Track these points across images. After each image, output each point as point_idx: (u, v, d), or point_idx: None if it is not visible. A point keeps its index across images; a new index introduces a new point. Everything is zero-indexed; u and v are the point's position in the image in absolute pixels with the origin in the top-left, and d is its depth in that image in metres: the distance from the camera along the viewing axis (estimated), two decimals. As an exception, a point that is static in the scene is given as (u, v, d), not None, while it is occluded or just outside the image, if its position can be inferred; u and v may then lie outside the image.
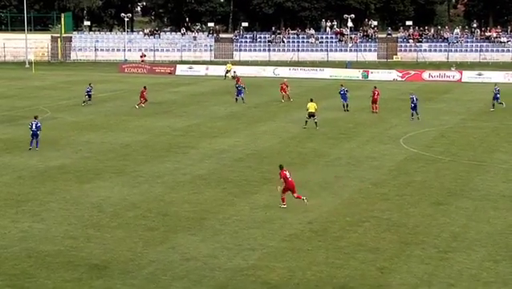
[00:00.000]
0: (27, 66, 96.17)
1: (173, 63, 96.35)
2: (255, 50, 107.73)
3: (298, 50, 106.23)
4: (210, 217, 27.88)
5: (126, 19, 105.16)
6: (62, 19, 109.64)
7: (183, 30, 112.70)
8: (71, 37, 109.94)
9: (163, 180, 33.82)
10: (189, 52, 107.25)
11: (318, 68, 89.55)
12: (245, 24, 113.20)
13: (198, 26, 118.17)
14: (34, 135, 40.65)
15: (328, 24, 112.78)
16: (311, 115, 47.79)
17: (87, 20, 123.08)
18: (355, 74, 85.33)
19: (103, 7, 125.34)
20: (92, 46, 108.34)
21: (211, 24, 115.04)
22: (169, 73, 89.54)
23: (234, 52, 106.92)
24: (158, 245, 24.52)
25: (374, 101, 54.80)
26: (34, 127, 40.71)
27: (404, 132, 46.63)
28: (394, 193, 31.50)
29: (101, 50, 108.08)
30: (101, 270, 22.05)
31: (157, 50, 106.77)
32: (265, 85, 74.72)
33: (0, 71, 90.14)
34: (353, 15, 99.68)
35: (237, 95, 61.04)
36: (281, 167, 29.54)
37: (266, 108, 57.80)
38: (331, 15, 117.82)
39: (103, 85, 74.62)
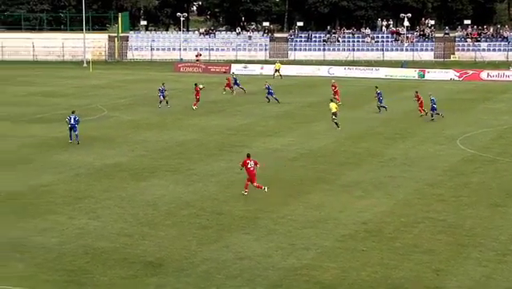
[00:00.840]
0: (85, 65, 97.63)
1: (228, 63, 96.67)
2: (310, 49, 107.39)
3: (354, 49, 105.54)
4: (264, 216, 27.87)
5: (182, 19, 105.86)
6: (120, 19, 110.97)
7: (238, 29, 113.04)
8: (127, 36, 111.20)
9: (217, 178, 33.94)
10: (244, 51, 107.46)
11: (373, 68, 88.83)
12: (300, 23, 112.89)
13: (253, 26, 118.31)
14: (73, 128, 41.93)
15: (384, 23, 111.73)
16: (334, 114, 47.65)
17: (144, 20, 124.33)
18: (411, 73, 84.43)
19: (160, 7, 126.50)
20: (148, 45, 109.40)
21: (266, 23, 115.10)
22: (224, 72, 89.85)
23: (289, 51, 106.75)
24: (212, 243, 24.59)
25: (421, 104, 53.14)
26: (72, 121, 42.09)
27: (461, 133, 45.92)
28: (450, 194, 31.03)
29: (157, 49, 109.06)
30: (156, 268, 22.22)
31: (212, 49, 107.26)
32: (319, 84, 74.45)
33: (59, 70, 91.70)
34: (410, 14, 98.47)
35: (268, 95, 60.25)
36: (248, 155, 31.24)
37: (320, 108, 57.50)
38: (387, 14, 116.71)
39: (158, 84, 75.28)
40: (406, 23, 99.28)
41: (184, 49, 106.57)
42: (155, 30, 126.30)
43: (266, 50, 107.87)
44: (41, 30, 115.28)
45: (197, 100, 56.92)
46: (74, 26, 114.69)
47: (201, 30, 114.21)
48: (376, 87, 57.03)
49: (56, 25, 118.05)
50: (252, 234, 25.60)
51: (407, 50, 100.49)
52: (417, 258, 23.12)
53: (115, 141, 43.19)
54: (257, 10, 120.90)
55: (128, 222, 26.91)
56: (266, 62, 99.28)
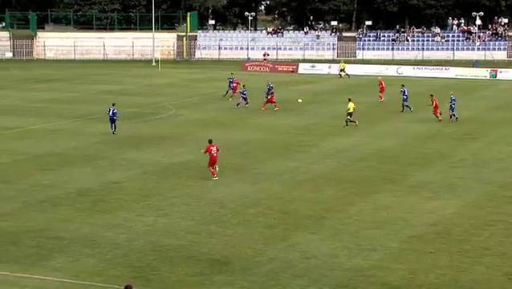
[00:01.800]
0: (153, 64, 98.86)
1: (296, 62, 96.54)
2: (378, 48, 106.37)
3: (423, 48, 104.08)
4: (330, 216, 27.73)
5: (250, 18, 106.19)
6: (188, 18, 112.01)
7: (306, 28, 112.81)
8: (196, 36, 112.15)
9: (283, 178, 33.91)
10: (312, 51, 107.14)
11: (443, 67, 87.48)
12: (368, 22, 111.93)
13: (321, 25, 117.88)
14: (111, 120, 44.58)
15: (455, 22, 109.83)
16: (350, 114, 47.80)
17: (212, 19, 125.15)
18: (483, 73, 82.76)
19: (228, 6, 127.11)
20: (216, 44, 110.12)
21: (334, 23, 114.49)
22: (292, 71, 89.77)
23: (357, 51, 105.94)
24: (278, 242, 24.58)
25: (435, 109, 50.93)
26: (110, 113, 44.63)
27: (534, 134, 44.82)
28: (522, 197, 30.30)
29: (225, 48, 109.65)
30: (222, 266, 22.32)
31: (280, 48, 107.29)
32: (388, 84, 73.65)
33: (128, 69, 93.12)
34: (482, 13, 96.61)
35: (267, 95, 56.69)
36: (210, 141, 33.41)
37: (387, 108, 56.94)
38: (458, 13, 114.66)
39: (225, 83, 75.71)
40: (478, 22, 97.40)
41: (252, 48, 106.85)
42: (223, 29, 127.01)
43: (333, 49, 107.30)
44: (112, 29, 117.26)
45: (270, 102, 55.97)
46: (143, 25, 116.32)
47: (269, 30, 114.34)
48: (403, 85, 56.14)
49: (126, 24, 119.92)
50: (318, 234, 25.49)
51: (478, 49, 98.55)
52: (488, 262, 22.65)
53: (183, 140, 43.60)
54: (325, 9, 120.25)
55: (195, 220, 27.11)
56: (333, 61, 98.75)
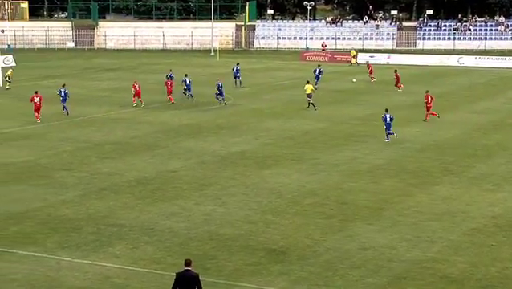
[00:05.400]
0: (212, 54, 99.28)
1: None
2: (439, 38, 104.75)
3: (486, 38, 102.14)
4: (388, 207, 27.48)
5: (309, 8, 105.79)
6: (247, 8, 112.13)
7: (365, 18, 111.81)
8: (254, 25, 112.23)
9: (341, 168, 33.73)
10: (371, 41, 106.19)
11: (506, 57, 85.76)
12: (429, 12, 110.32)
13: (381, 15, 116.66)
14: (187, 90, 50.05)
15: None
16: (309, 96, 50.52)
17: (271, 9, 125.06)
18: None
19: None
20: (275, 34, 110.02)
21: (394, 12, 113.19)
22: (350, 61, 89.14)
23: (417, 41, 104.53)
24: (336, 233, 24.48)
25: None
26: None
27: None
28: None
29: (283, 38, 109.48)
30: (279, 256, 22.33)
31: (339, 38, 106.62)
32: (448, 74, 72.60)
33: (187, 59, 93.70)
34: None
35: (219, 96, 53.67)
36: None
37: (448, 98, 56.10)
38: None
39: (283, 73, 75.67)
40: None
41: (311, 38, 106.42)
42: (281, 19, 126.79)
43: (393, 39, 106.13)
44: (171, 19, 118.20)
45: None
46: (202, 15, 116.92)
47: (328, 19, 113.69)
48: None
49: (185, 14, 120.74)
50: (376, 225, 25.30)
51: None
52: (551, 256, 22.16)
53: (241, 129, 43.71)
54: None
55: (253, 210, 27.17)
56: (392, 51, 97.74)
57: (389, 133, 40.05)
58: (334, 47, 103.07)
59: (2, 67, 66.00)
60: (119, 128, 44.08)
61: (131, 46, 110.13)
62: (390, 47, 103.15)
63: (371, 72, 67.59)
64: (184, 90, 56.19)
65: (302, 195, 29.13)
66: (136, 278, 20.69)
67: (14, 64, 77.37)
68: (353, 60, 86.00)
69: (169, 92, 54.10)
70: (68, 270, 21.04)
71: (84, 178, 31.66)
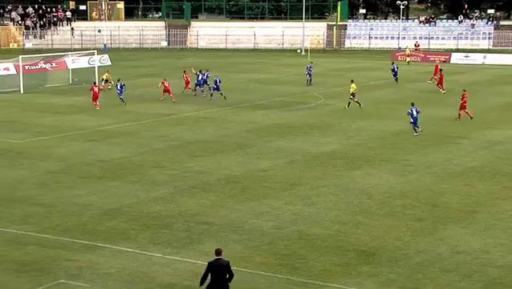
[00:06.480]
0: (302, 53, 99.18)
1: (448, 51, 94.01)
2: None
3: None
4: (482, 210, 26.82)
5: (401, 7, 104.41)
6: (339, 7, 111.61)
7: (460, 17, 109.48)
8: (346, 25, 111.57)
9: (433, 170, 33.13)
10: (466, 40, 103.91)
11: None
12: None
13: (477, 13, 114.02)
14: (214, 89, 50.18)
15: None
16: (352, 95, 50.60)
17: (363, 8, 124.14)
18: None
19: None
20: (366, 33, 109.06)
21: (491, 11, 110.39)
22: (444, 61, 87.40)
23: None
24: (427, 236, 24.05)
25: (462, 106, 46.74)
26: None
27: None
28: None
29: (375, 37, 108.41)
30: (369, 257, 22.11)
31: (432, 38, 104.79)
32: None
33: (278, 58, 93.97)
34: None
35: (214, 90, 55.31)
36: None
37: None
38: None
39: (374, 73, 74.90)
40: None
41: (403, 37, 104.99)
42: (373, 18, 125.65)
43: (489, 38, 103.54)
44: (262, 18, 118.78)
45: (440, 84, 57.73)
46: (293, 14, 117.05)
47: (421, 19, 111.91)
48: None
49: (277, 14, 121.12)
50: (469, 228, 24.72)
51: None
52: None
53: (331, 129, 43.51)
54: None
55: (342, 210, 27.00)
56: (488, 51, 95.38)
57: (416, 128, 40.31)
58: (427, 47, 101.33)
59: (99, 66, 67.70)
60: (210, 126, 44.57)
61: (222, 46, 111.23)
62: (486, 47, 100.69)
63: (439, 77, 61.27)
64: (198, 85, 57.67)
65: (393, 196, 28.76)
66: (224, 275, 20.80)
67: (109, 63, 79.22)
68: (408, 59, 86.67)
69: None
70: (160, 266, 21.39)
71: (175, 176, 32.13)
